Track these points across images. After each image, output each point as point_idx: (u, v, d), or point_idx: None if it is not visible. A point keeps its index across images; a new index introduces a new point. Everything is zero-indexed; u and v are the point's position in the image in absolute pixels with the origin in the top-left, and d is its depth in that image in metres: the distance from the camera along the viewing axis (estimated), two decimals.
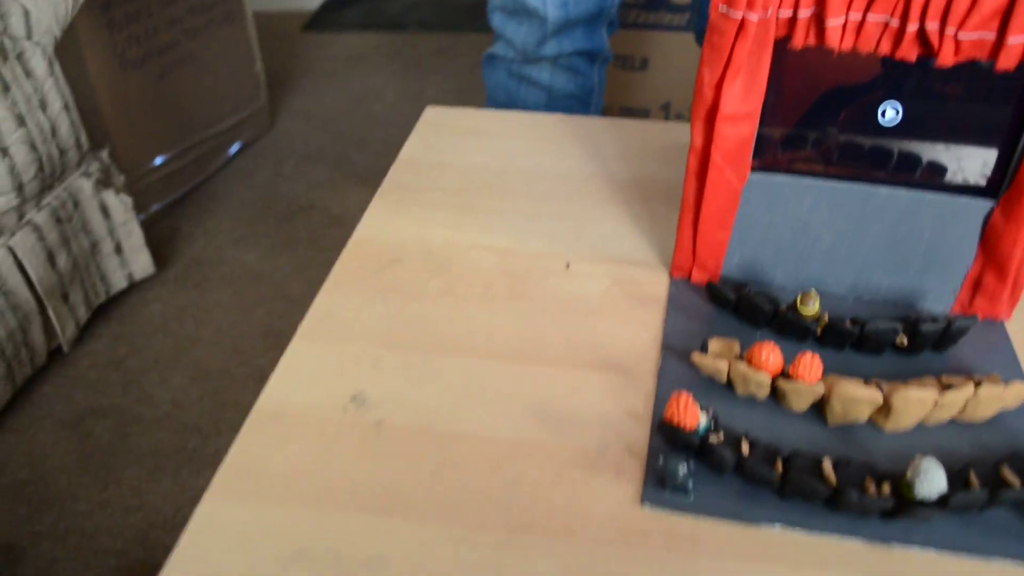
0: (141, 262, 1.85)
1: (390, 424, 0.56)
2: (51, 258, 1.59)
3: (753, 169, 0.63)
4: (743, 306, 0.63)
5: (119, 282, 1.82)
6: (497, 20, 1.29)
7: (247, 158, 2.39)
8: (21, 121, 1.48)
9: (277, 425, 0.56)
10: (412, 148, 0.89)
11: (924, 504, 0.48)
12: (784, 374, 0.56)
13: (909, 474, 0.48)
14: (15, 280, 1.51)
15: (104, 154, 1.76)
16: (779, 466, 0.51)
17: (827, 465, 0.50)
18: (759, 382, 0.55)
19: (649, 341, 0.63)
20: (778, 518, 0.50)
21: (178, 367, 1.66)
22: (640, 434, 0.55)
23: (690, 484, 0.50)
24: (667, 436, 0.52)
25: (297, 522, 0.50)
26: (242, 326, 1.76)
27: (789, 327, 0.61)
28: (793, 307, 0.61)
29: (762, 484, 0.50)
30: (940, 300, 0.66)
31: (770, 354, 0.55)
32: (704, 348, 0.59)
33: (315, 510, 0.50)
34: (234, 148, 2.40)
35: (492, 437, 0.55)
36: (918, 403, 0.53)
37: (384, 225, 0.76)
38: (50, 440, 1.51)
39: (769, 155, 0.63)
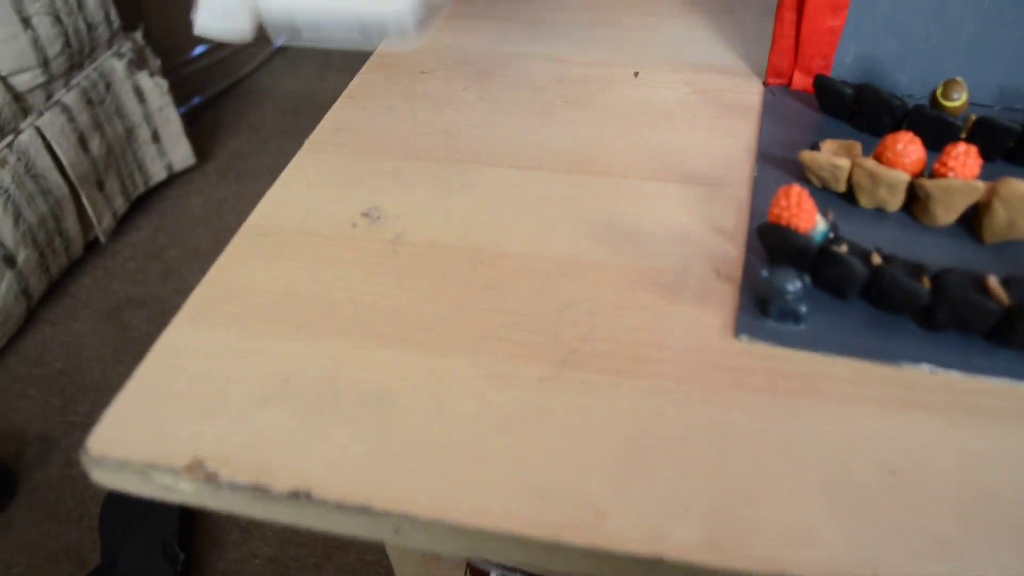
0: (181, 152, 1.75)
1: (410, 241, 0.44)
2: (83, 141, 1.50)
3: None
4: (862, 107, 0.49)
5: (158, 173, 1.73)
6: None
7: (294, 50, 2.27)
8: None
9: (270, 243, 0.45)
10: None
11: None
12: (925, 175, 0.42)
13: None
14: (44, 163, 1.42)
15: (138, 35, 1.65)
16: (926, 285, 0.38)
17: (993, 282, 0.37)
18: (893, 183, 0.41)
19: (740, 151, 0.49)
20: (925, 355, 0.37)
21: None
22: (731, 253, 0.42)
23: (803, 308, 0.37)
24: (772, 242, 0.39)
25: (284, 352, 0.38)
26: None
27: (926, 127, 0.47)
28: (932, 100, 0.47)
29: (904, 307, 0.37)
30: None
31: (908, 145, 0.41)
32: (815, 149, 0.46)
33: (307, 339, 0.39)
34: (280, 39, 2.27)
35: (539, 255, 0.43)
36: None
37: None
38: (87, 330, 1.44)
39: None
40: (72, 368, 1.37)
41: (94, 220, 1.55)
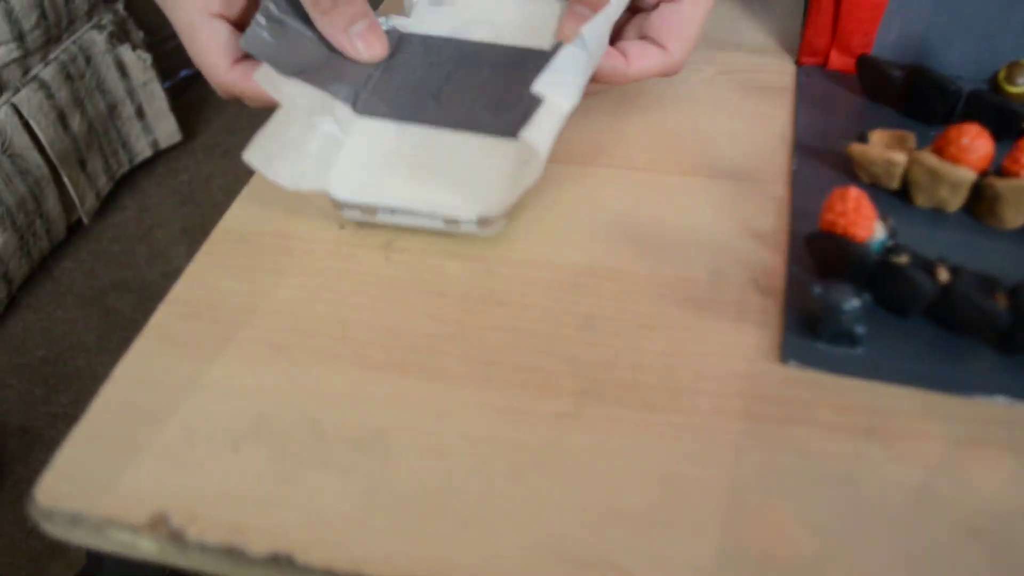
0: (166, 128, 1.69)
1: (405, 247, 0.39)
2: (63, 119, 1.43)
3: None
4: (912, 91, 0.44)
5: (143, 150, 1.66)
6: None
7: None
8: None
9: (244, 250, 0.40)
10: None
11: None
12: (992, 172, 0.37)
13: None
14: (22, 142, 1.36)
15: (119, 6, 1.58)
16: (1001, 303, 0.33)
17: None
18: (957, 181, 0.36)
19: (774, 140, 0.44)
20: (1000, 386, 0.32)
21: (206, 238, 1.52)
22: (771, 261, 0.37)
23: (860, 329, 0.32)
24: (824, 253, 0.34)
25: (260, 381, 0.33)
26: None
27: (985, 115, 0.41)
28: (993, 85, 0.42)
29: (977, 329, 0.32)
30: None
31: (975, 140, 0.36)
32: (863, 141, 0.40)
33: (286, 364, 0.34)
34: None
35: (549, 262, 0.37)
36: None
37: None
38: (70, 317, 1.39)
39: None
40: (55, 356, 1.32)
41: (76, 201, 1.49)
